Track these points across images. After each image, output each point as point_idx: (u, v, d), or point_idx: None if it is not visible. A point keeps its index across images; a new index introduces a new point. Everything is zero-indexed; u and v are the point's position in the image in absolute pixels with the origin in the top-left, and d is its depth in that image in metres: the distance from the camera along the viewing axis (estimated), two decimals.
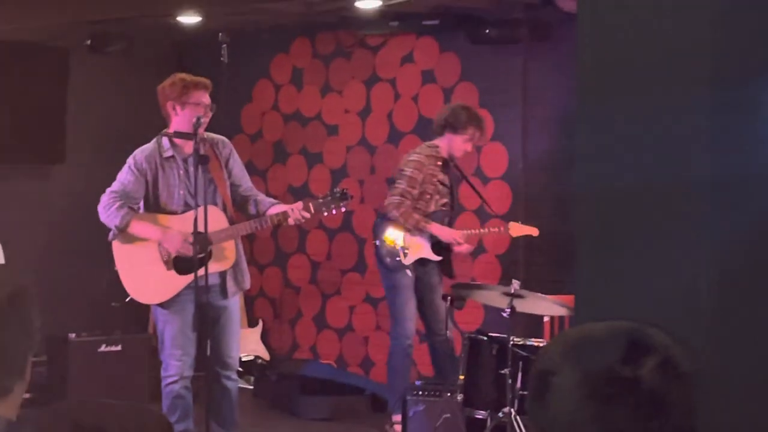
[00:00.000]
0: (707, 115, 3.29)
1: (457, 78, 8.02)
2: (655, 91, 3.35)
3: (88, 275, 8.12)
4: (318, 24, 8.46)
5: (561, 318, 6.42)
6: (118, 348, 7.67)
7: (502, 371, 5.66)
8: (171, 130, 5.75)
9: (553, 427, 1.59)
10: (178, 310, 5.73)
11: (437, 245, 6.92)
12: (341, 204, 5.87)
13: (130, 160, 5.75)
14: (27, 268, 7.74)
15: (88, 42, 8.33)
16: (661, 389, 1.54)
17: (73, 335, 7.58)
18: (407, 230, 6.87)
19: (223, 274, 5.79)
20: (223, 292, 5.80)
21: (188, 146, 5.71)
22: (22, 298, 1.99)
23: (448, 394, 5.95)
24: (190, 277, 5.62)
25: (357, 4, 7.53)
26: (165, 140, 5.76)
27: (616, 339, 1.59)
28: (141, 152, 5.76)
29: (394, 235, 6.89)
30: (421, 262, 6.92)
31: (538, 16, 7.48)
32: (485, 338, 5.90)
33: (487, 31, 7.65)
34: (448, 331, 6.82)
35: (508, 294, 5.71)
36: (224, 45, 6.10)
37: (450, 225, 7.04)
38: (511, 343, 5.65)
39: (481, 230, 7.12)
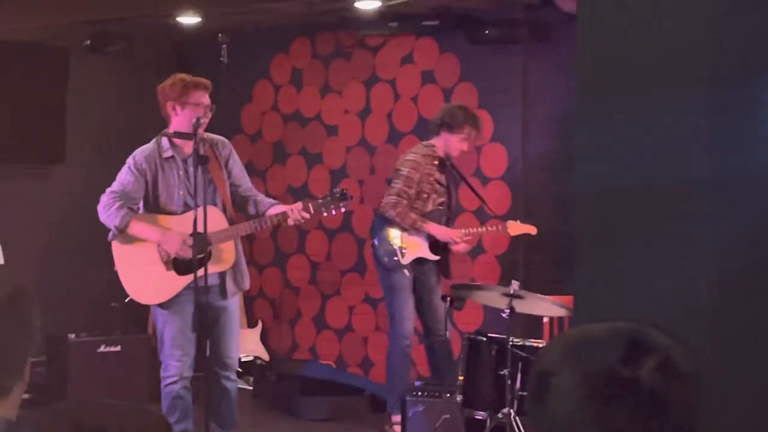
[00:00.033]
0: (707, 115, 3.29)
1: (456, 78, 8.01)
2: (655, 91, 3.35)
3: (88, 275, 8.12)
4: (318, 24, 8.46)
5: (560, 319, 6.43)
6: (118, 348, 7.67)
7: (502, 372, 5.66)
8: (171, 130, 5.75)
9: (553, 427, 1.58)
10: (177, 310, 5.73)
11: (435, 245, 6.92)
12: (341, 204, 5.87)
13: (129, 160, 5.75)
14: (27, 268, 7.74)
15: (88, 42, 8.33)
16: (661, 389, 1.54)
17: (72, 335, 7.57)
18: (405, 230, 6.87)
19: (222, 275, 5.79)
20: (223, 293, 5.80)
21: (188, 146, 5.71)
22: (22, 299, 1.99)
23: (448, 395, 5.95)
24: (189, 278, 5.62)
25: (357, 5, 7.53)
26: (165, 140, 5.76)
27: (615, 339, 1.58)
28: (141, 152, 5.76)
29: (393, 234, 6.89)
30: (419, 262, 6.92)
31: (537, 16, 7.48)
32: (484, 339, 5.90)
33: (487, 31, 7.65)
34: (447, 332, 6.82)
35: (507, 295, 5.71)
36: (224, 45, 6.10)
37: (447, 224, 7.04)
38: (511, 343, 5.65)
39: (480, 229, 7.12)
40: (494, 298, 5.91)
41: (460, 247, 6.94)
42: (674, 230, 3.32)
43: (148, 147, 5.78)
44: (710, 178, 3.29)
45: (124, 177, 5.72)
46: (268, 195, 6.27)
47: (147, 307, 6.39)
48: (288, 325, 8.95)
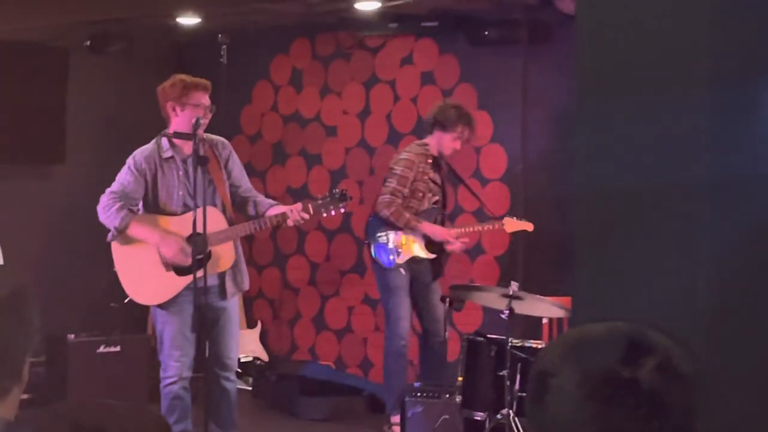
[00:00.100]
0: (707, 115, 3.29)
1: (456, 79, 8.01)
2: (655, 91, 3.35)
3: (88, 275, 8.12)
4: (317, 25, 8.46)
5: (560, 320, 6.42)
6: (117, 349, 7.67)
7: (501, 373, 5.65)
8: (171, 130, 5.76)
9: (553, 428, 1.58)
10: (177, 311, 5.73)
11: (431, 244, 6.93)
12: (340, 205, 5.87)
13: (129, 161, 5.75)
14: (27, 268, 7.74)
15: (88, 42, 8.33)
16: (661, 390, 1.54)
17: (72, 336, 7.57)
18: (399, 229, 6.87)
19: (222, 275, 5.79)
20: (222, 293, 5.80)
21: (188, 147, 5.71)
22: (22, 299, 1.99)
23: (447, 396, 5.94)
24: (189, 278, 5.62)
25: (356, 6, 7.53)
26: (164, 141, 5.76)
27: (615, 340, 1.58)
28: (141, 153, 5.76)
29: (388, 234, 6.89)
30: (415, 261, 6.92)
31: (537, 17, 7.48)
32: (484, 340, 5.90)
33: (487, 32, 7.65)
34: (445, 333, 6.81)
35: (506, 296, 5.71)
36: (224, 46, 6.10)
37: (442, 223, 7.05)
38: (510, 344, 5.65)
39: (476, 227, 7.12)
40: (493, 299, 5.91)
41: (456, 247, 6.94)
42: (674, 230, 3.32)
43: (147, 147, 5.78)
44: (710, 178, 3.29)
45: (123, 177, 5.72)
46: (267, 196, 6.27)
47: (146, 308, 6.39)
48: (287, 326, 8.95)
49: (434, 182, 6.96)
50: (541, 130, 7.66)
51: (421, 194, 6.91)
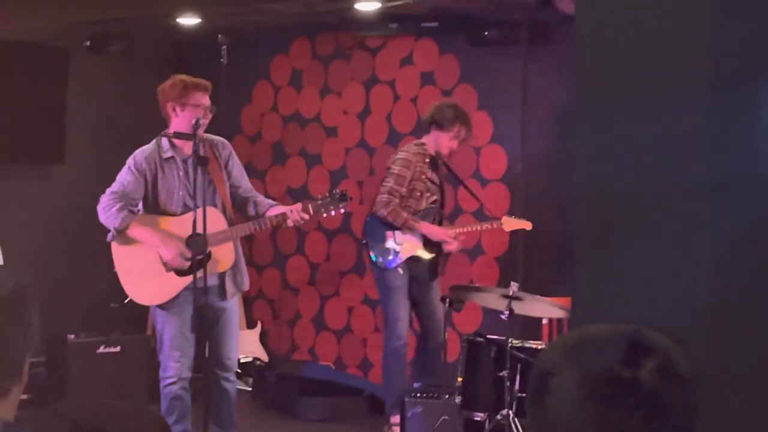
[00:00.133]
0: (707, 115, 3.28)
1: (456, 80, 8.01)
2: (655, 91, 3.34)
3: (88, 276, 8.12)
4: (317, 25, 8.46)
5: (560, 320, 6.42)
6: (117, 349, 7.66)
7: (501, 373, 5.66)
8: (171, 131, 5.76)
9: (553, 428, 1.59)
10: (176, 311, 5.73)
11: (429, 243, 6.93)
12: (340, 205, 5.87)
13: (129, 161, 5.75)
14: (26, 268, 7.73)
15: (88, 42, 8.33)
16: (661, 390, 1.54)
17: (72, 336, 7.57)
18: (397, 228, 6.88)
19: (221, 276, 5.79)
20: (222, 294, 5.80)
21: (188, 147, 5.72)
22: (21, 299, 1.99)
23: (447, 396, 5.94)
24: (189, 279, 5.62)
25: (356, 6, 7.53)
26: (165, 141, 5.76)
27: (616, 340, 1.59)
28: (141, 153, 5.76)
29: (386, 233, 6.89)
30: (414, 261, 6.92)
31: (537, 17, 7.48)
32: (483, 340, 5.90)
33: (487, 32, 7.65)
34: (445, 334, 6.81)
35: (506, 296, 5.71)
36: (224, 46, 6.10)
37: (440, 222, 7.05)
38: (510, 345, 5.65)
39: (474, 226, 7.12)
40: (493, 300, 5.91)
41: (453, 246, 6.94)
42: (674, 230, 3.32)
43: (148, 147, 5.78)
44: (710, 178, 3.28)
45: (124, 177, 5.72)
46: (267, 196, 6.27)
47: (146, 308, 6.39)
48: (287, 326, 8.95)
49: (432, 182, 6.96)
50: (541, 130, 7.65)
51: (419, 194, 6.91)
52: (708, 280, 3.26)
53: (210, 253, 5.69)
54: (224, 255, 5.75)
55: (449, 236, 6.88)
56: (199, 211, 5.56)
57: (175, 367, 5.75)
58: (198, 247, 5.62)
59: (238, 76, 7.83)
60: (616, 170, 3.42)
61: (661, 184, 3.32)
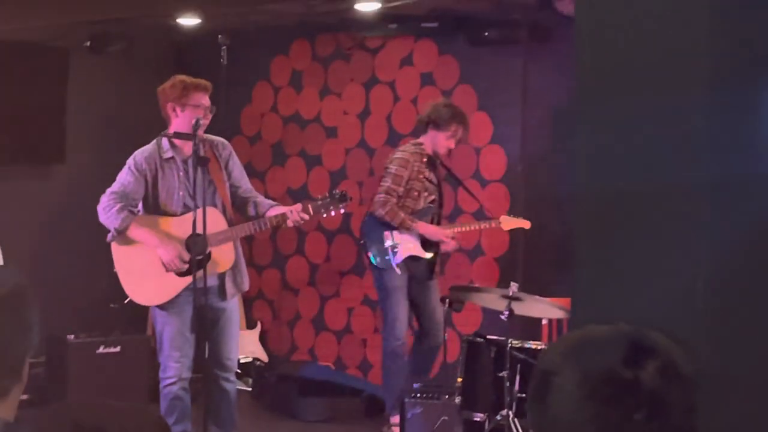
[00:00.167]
0: (707, 115, 3.28)
1: (456, 80, 8.01)
2: (655, 91, 3.34)
3: (88, 276, 8.12)
4: (317, 25, 8.46)
5: (559, 321, 6.42)
6: (117, 349, 7.66)
7: (500, 374, 5.66)
8: (171, 131, 5.76)
9: (554, 427, 1.59)
10: (176, 311, 5.73)
11: (427, 243, 6.93)
12: (340, 206, 5.88)
13: (130, 161, 5.76)
14: (26, 268, 7.72)
15: (88, 42, 8.33)
16: (662, 390, 1.55)
17: (71, 336, 7.57)
18: (395, 228, 6.88)
19: (221, 276, 5.79)
20: (222, 294, 5.80)
21: (188, 147, 5.72)
22: (21, 299, 1.99)
23: (446, 397, 5.94)
24: (189, 279, 5.62)
25: (356, 6, 7.52)
26: (165, 141, 5.76)
27: (617, 340, 1.59)
28: (141, 153, 5.77)
29: (384, 233, 6.89)
30: (412, 261, 6.92)
31: (537, 17, 7.48)
32: (483, 341, 5.90)
33: (486, 33, 7.65)
34: (444, 335, 6.81)
35: (506, 297, 5.71)
36: (224, 47, 6.10)
37: (438, 222, 7.05)
38: (509, 345, 5.65)
39: (472, 226, 7.12)
40: (493, 300, 5.91)
41: (450, 246, 6.94)
42: (674, 230, 3.32)
43: (148, 148, 5.79)
44: (710, 178, 3.28)
45: (124, 177, 5.73)
46: (267, 196, 6.28)
47: (146, 308, 6.39)
48: (287, 327, 8.95)
49: (430, 181, 6.97)
50: (541, 130, 7.65)
51: (416, 193, 6.91)
52: (708, 280, 3.25)
53: (210, 253, 5.69)
54: (224, 255, 5.75)
55: (447, 236, 6.88)
56: (199, 211, 5.56)
57: (175, 367, 5.75)
58: (198, 247, 5.62)
59: (238, 76, 7.82)
60: (616, 170, 3.42)
61: (661, 184, 3.32)
